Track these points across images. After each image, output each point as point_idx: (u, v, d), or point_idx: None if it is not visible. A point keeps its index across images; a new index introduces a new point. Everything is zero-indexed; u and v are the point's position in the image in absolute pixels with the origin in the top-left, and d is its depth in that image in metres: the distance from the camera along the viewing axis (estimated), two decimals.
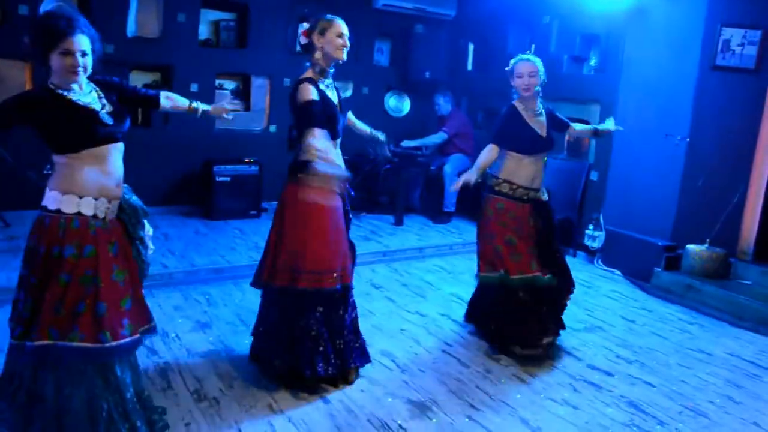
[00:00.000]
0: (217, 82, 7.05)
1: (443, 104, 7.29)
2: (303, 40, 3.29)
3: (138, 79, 6.69)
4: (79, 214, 2.45)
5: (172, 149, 6.68)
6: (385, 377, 3.48)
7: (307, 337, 3.17)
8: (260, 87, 7.25)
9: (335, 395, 3.23)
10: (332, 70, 3.31)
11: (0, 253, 4.81)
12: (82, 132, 2.45)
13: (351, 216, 3.45)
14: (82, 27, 2.45)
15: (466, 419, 3.10)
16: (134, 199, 2.76)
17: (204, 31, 7.00)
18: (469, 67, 8.08)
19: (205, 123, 6.89)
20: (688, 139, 5.33)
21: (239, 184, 6.60)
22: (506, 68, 3.85)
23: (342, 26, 3.23)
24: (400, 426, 2.99)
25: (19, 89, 5.99)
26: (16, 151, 5.81)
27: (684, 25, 5.38)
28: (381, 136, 3.74)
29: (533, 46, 7.07)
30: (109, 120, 2.52)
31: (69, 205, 2.44)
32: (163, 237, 5.76)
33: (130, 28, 6.50)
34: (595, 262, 6.02)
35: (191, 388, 3.21)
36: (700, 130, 5.36)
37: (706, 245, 5.25)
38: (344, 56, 3.26)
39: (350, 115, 3.62)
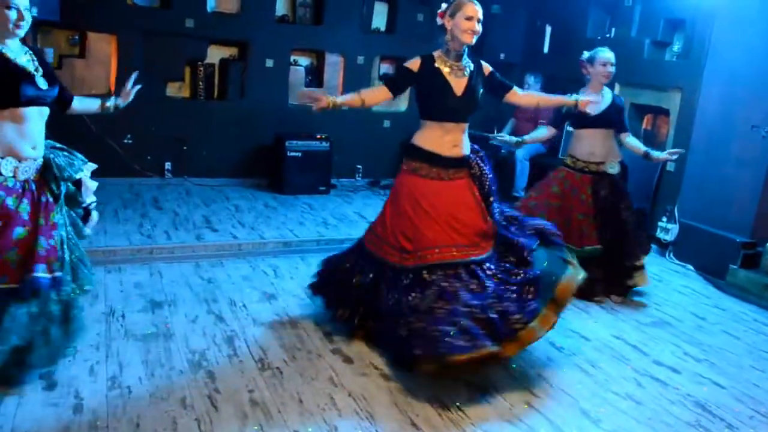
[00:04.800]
0: (292, 58, 7.14)
1: (533, 84, 7.13)
2: (438, 20, 3.36)
3: (216, 54, 6.84)
4: None
5: (245, 122, 6.79)
6: None
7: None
8: (334, 64, 7.30)
9: (395, 372, 3.27)
10: (465, 53, 3.38)
11: None
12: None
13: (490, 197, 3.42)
14: None
15: (525, 406, 3.08)
16: (60, 159, 2.83)
17: (281, 7, 7.09)
18: (546, 50, 7.89)
19: (279, 97, 7.00)
20: None
21: (310, 160, 6.69)
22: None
23: (472, 9, 3.25)
24: (458, 408, 3.00)
25: (106, 59, 6.28)
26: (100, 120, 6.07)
27: None
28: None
29: (613, 29, 6.89)
30: (43, 84, 2.72)
31: None
32: (234, 209, 5.92)
33: (210, 3, 6.65)
34: (666, 255, 5.83)
35: (256, 357, 3.31)
36: None
37: None
38: (471, 40, 3.29)
39: (518, 90, 3.64)
